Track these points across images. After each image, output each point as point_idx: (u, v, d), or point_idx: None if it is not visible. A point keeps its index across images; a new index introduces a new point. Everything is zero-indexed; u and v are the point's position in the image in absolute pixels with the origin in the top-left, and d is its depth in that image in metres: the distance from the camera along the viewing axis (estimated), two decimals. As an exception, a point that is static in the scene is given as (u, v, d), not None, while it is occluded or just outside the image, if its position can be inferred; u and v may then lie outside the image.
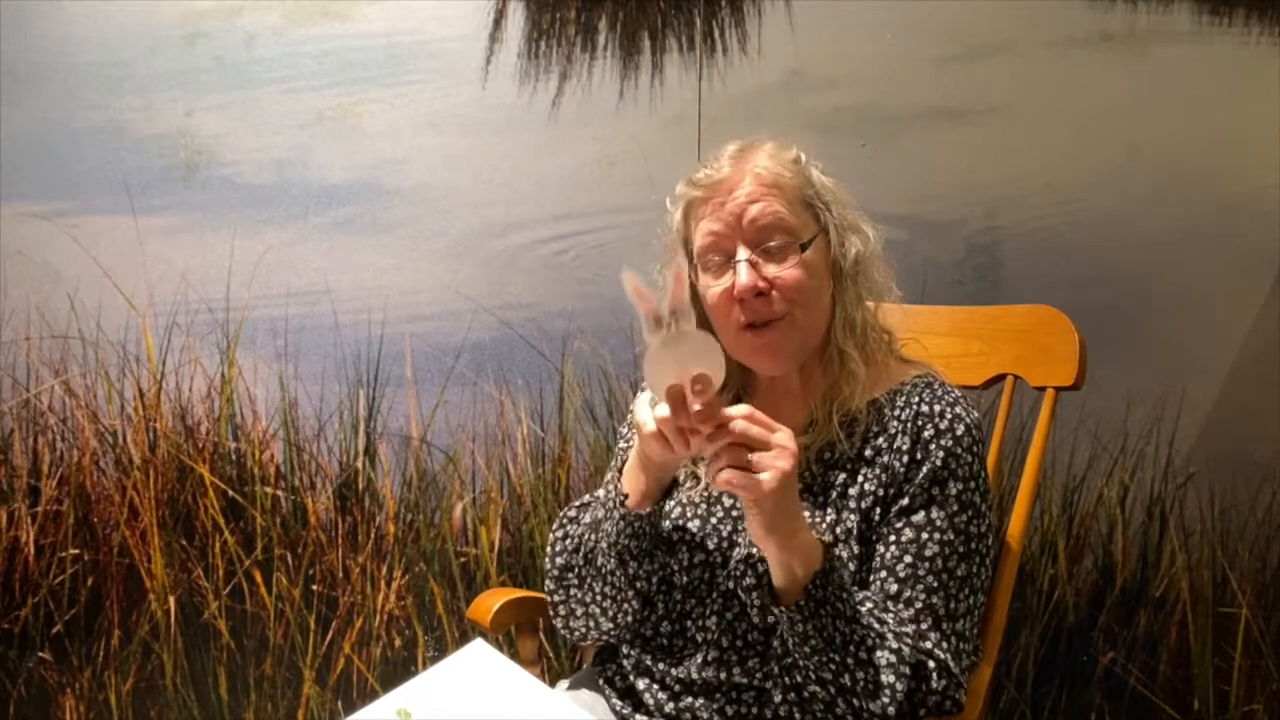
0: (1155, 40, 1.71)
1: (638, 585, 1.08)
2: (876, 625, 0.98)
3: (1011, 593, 1.23)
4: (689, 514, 1.11)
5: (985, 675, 1.18)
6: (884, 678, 0.96)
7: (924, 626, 0.99)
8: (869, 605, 0.99)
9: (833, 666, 0.97)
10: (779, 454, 0.91)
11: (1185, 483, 1.73)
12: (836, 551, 1.02)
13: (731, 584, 1.05)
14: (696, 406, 0.89)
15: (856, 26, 1.78)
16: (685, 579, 1.09)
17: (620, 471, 1.09)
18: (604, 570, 1.10)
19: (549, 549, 1.19)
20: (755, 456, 0.91)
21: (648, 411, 0.95)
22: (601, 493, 1.13)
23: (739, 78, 1.81)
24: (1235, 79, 1.70)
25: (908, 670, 0.96)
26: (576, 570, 1.14)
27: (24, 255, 1.94)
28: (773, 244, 1.05)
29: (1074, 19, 1.73)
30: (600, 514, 1.11)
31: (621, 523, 1.07)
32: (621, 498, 1.08)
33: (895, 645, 0.97)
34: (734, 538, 1.08)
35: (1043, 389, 1.26)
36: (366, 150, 1.89)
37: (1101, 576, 1.77)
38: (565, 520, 1.19)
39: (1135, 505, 1.75)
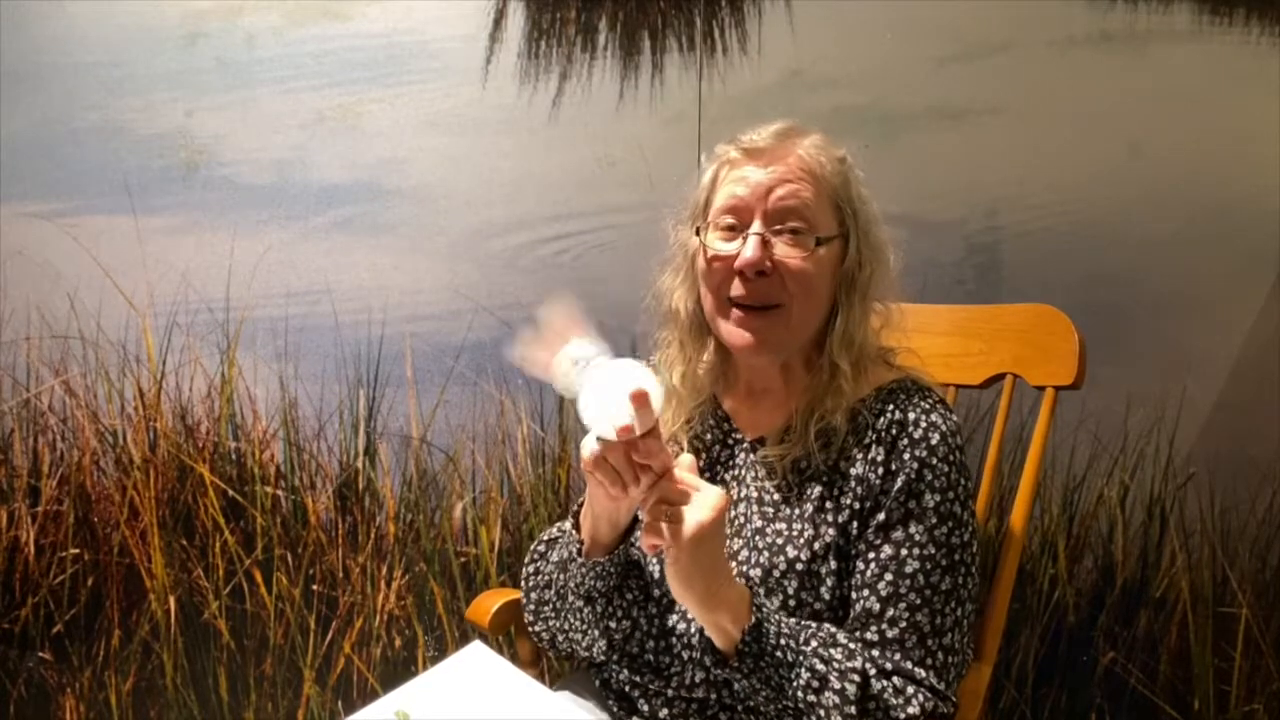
0: (1155, 40, 1.71)
1: (608, 623, 1.08)
2: (820, 665, 0.95)
3: (1011, 593, 1.23)
4: None
5: (985, 675, 1.18)
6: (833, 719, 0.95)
7: (908, 645, 0.98)
8: (814, 644, 0.96)
9: (791, 711, 0.96)
10: (699, 508, 0.90)
11: (1185, 483, 1.73)
12: (763, 601, 0.99)
13: None
14: (638, 431, 0.87)
15: (856, 26, 1.78)
16: (658, 591, 1.08)
17: (578, 512, 1.09)
18: (574, 607, 1.10)
19: (523, 582, 1.19)
20: (681, 508, 0.90)
21: (594, 445, 0.93)
22: (568, 525, 1.12)
23: (739, 78, 1.81)
24: (1235, 79, 1.70)
25: (853, 710, 0.94)
26: (551, 604, 1.14)
27: (24, 255, 1.94)
28: (789, 227, 1.03)
29: (1074, 19, 1.72)
30: (565, 554, 1.10)
31: (583, 568, 1.06)
32: (578, 545, 1.07)
33: (839, 685, 0.94)
34: None
35: (1043, 388, 1.26)
36: (366, 150, 1.89)
37: (1101, 576, 1.77)
38: (535, 555, 1.18)
39: (1135, 505, 1.75)
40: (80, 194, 1.93)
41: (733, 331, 1.06)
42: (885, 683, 0.96)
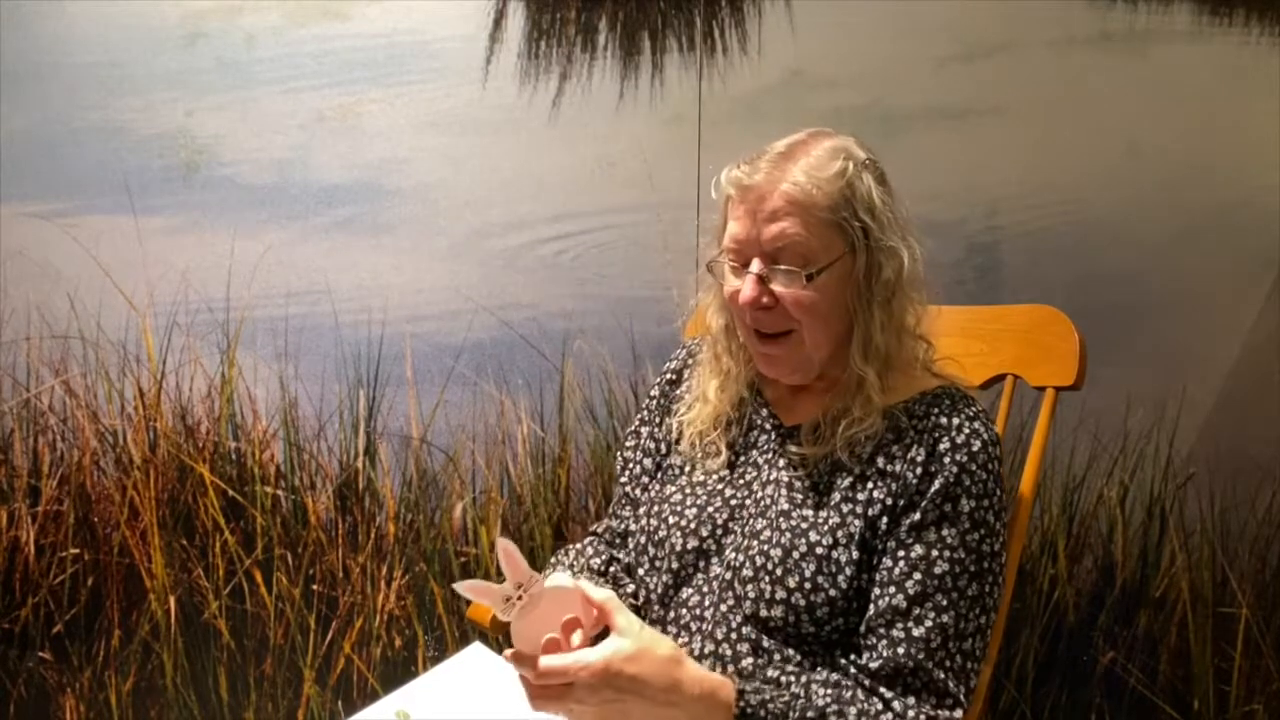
0: (1155, 40, 1.71)
1: None
2: None
3: (1011, 593, 1.23)
4: (688, 500, 1.13)
5: (985, 675, 1.18)
6: None
7: (933, 645, 0.99)
8: (825, 701, 0.97)
9: None
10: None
11: (1185, 483, 1.73)
12: (747, 698, 0.97)
13: (729, 574, 1.06)
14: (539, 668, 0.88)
15: (856, 26, 1.78)
16: (677, 564, 1.10)
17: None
18: None
19: None
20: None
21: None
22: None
23: (739, 78, 1.81)
24: (1235, 79, 1.70)
25: None
26: None
27: (24, 255, 1.94)
28: (781, 267, 1.05)
29: (1074, 19, 1.72)
30: None
31: None
32: None
33: None
34: (729, 525, 1.09)
35: (1043, 389, 1.26)
36: (366, 150, 1.89)
37: (1101, 576, 1.77)
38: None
39: (1135, 505, 1.75)
40: (80, 194, 1.93)
41: (757, 355, 1.11)
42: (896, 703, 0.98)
